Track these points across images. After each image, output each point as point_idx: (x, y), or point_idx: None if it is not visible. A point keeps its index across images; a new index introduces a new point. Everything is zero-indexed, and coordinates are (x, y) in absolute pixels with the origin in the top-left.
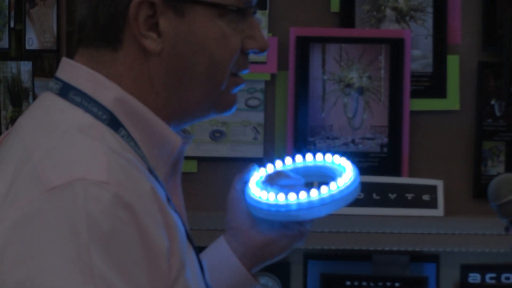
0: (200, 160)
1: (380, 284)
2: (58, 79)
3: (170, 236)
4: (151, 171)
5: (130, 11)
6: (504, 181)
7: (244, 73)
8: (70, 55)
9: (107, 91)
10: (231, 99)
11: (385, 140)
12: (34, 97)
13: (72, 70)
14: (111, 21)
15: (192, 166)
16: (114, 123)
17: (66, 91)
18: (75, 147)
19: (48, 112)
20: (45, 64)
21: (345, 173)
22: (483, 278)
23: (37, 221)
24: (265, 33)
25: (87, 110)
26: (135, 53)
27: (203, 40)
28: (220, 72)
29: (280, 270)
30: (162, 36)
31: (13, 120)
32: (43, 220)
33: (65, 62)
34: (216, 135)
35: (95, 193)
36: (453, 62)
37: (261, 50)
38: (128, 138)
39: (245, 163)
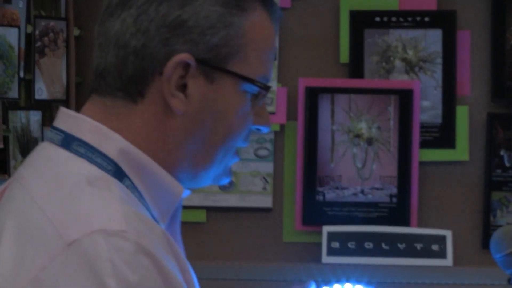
0: (209, 210)
1: None
2: (58, 130)
3: (185, 280)
4: (154, 219)
5: (166, 69)
6: (506, 233)
7: (243, 147)
8: (79, 106)
9: (111, 142)
10: (228, 172)
11: (394, 190)
12: None
13: (73, 121)
14: (140, 74)
15: (201, 216)
16: (119, 174)
17: (69, 142)
18: (88, 199)
19: (52, 163)
20: (54, 114)
21: None
22: None
23: (63, 279)
24: (274, 84)
25: (91, 161)
26: (156, 110)
27: (226, 110)
28: (232, 146)
29: None
30: (188, 98)
31: None
32: (68, 277)
33: (64, 112)
34: (226, 185)
35: (116, 243)
36: (462, 113)
37: (266, 128)
38: (133, 188)
39: (255, 213)
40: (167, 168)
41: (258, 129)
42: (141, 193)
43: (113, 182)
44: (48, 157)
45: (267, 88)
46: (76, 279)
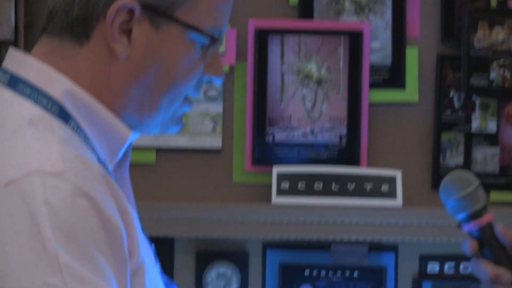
0: (159, 150)
1: (339, 274)
2: (5, 70)
3: (125, 222)
4: (100, 161)
5: (108, 12)
6: (454, 178)
7: (194, 97)
8: (28, 47)
9: (56, 83)
10: (178, 120)
11: (344, 131)
12: None
13: (20, 62)
14: (85, 16)
15: (151, 157)
16: (63, 115)
17: (15, 82)
18: (28, 140)
19: None
20: (2, 55)
21: None
22: (441, 268)
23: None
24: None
25: (36, 102)
26: (100, 52)
27: (171, 59)
28: (178, 94)
29: (238, 260)
30: (132, 43)
31: None
32: (3, 216)
33: (12, 53)
34: None
35: (53, 184)
36: (412, 54)
37: (217, 79)
38: (78, 130)
39: (204, 154)
40: (113, 111)
41: (210, 81)
42: (87, 135)
43: (56, 123)
44: None
45: (214, 40)
46: (11, 220)
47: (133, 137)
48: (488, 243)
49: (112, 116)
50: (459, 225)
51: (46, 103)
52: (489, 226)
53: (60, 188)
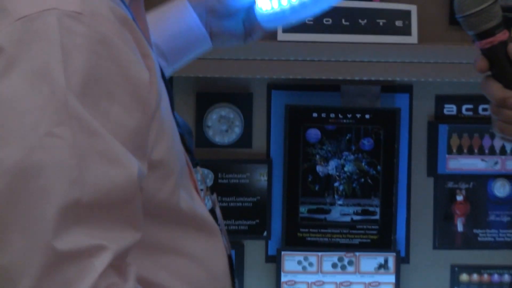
0: None
1: (349, 116)
2: None
3: (148, 66)
4: None
5: None
6: None
7: None
8: None
9: None
10: None
11: None
12: None
13: None
14: None
15: None
16: None
17: None
18: None
19: None
20: None
21: None
22: (459, 110)
23: (7, 54)
24: None
25: None
26: None
27: None
28: None
29: (242, 101)
30: None
31: None
32: (13, 53)
33: None
34: None
35: (69, 25)
36: None
37: None
38: None
39: None
40: None
41: None
42: None
43: None
44: None
45: None
46: (20, 57)
47: None
48: (499, 64)
49: None
50: (473, 41)
51: None
52: (502, 46)
53: (77, 31)
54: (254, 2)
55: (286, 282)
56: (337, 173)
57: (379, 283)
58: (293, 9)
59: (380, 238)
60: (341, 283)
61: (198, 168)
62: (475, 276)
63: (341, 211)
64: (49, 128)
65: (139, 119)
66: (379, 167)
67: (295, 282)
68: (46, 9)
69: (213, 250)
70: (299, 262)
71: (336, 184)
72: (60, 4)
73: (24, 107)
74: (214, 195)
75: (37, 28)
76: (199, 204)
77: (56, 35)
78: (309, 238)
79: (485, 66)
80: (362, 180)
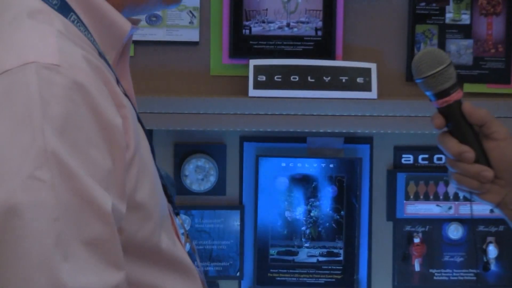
0: (137, 44)
1: (315, 165)
2: None
3: (122, 115)
4: (101, 55)
5: None
6: (426, 55)
7: None
8: None
9: None
10: None
11: (320, 23)
12: None
13: None
14: None
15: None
16: (64, 9)
17: None
18: (26, 31)
19: None
20: None
21: None
22: (416, 159)
23: None
24: None
25: None
26: None
27: None
28: None
29: (216, 152)
30: None
31: None
32: None
33: None
34: (153, 19)
35: (47, 76)
36: None
37: None
38: (78, 23)
39: (182, 47)
40: (114, 5)
41: None
42: (88, 27)
43: (56, 16)
44: None
45: None
46: (2, 106)
47: (133, 31)
48: (454, 121)
49: (113, 9)
50: (430, 100)
51: None
52: (457, 104)
53: (55, 81)
54: None
55: None
56: (304, 218)
57: None
58: None
59: (344, 277)
60: None
61: (179, 216)
62: None
63: (308, 253)
64: (31, 171)
65: (113, 160)
66: (342, 212)
67: None
68: (26, 63)
69: None
70: None
71: (303, 228)
72: (39, 58)
73: (7, 152)
74: (192, 240)
75: (18, 81)
76: (179, 248)
77: (35, 86)
78: (278, 278)
79: (441, 123)
80: (327, 224)
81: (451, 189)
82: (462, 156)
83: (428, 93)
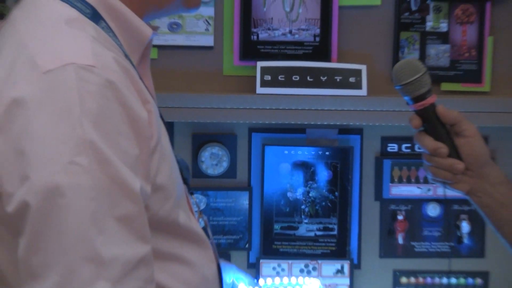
0: (160, 48)
1: (313, 153)
2: None
3: (147, 109)
4: (126, 57)
5: None
6: (404, 65)
7: None
8: None
9: None
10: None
11: (318, 31)
12: None
13: None
14: None
15: (154, 54)
16: (95, 17)
17: None
18: (65, 37)
19: (38, 6)
20: None
21: None
22: (400, 148)
23: (35, 100)
24: None
25: (72, 5)
26: None
27: None
28: None
29: (228, 141)
30: None
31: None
32: (40, 99)
33: None
34: (174, 27)
35: (84, 76)
36: None
37: None
38: (108, 29)
39: (198, 51)
40: (135, 8)
41: None
42: (115, 33)
43: (89, 24)
44: (35, 1)
45: None
46: (46, 101)
47: (153, 36)
48: (430, 121)
49: (136, 17)
50: (407, 103)
51: (81, 6)
52: (432, 107)
53: (91, 80)
54: None
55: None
56: (304, 198)
57: (337, 285)
58: None
59: (338, 249)
60: None
61: (193, 196)
62: (412, 279)
63: (306, 228)
64: (71, 158)
65: (140, 148)
66: (336, 193)
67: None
68: (66, 64)
69: (205, 258)
70: (274, 268)
71: (302, 206)
72: (77, 60)
73: (51, 141)
74: (206, 217)
75: (59, 79)
76: (194, 222)
77: (74, 84)
78: (281, 249)
79: (418, 123)
80: (323, 203)
81: None
82: (437, 151)
83: (406, 98)
